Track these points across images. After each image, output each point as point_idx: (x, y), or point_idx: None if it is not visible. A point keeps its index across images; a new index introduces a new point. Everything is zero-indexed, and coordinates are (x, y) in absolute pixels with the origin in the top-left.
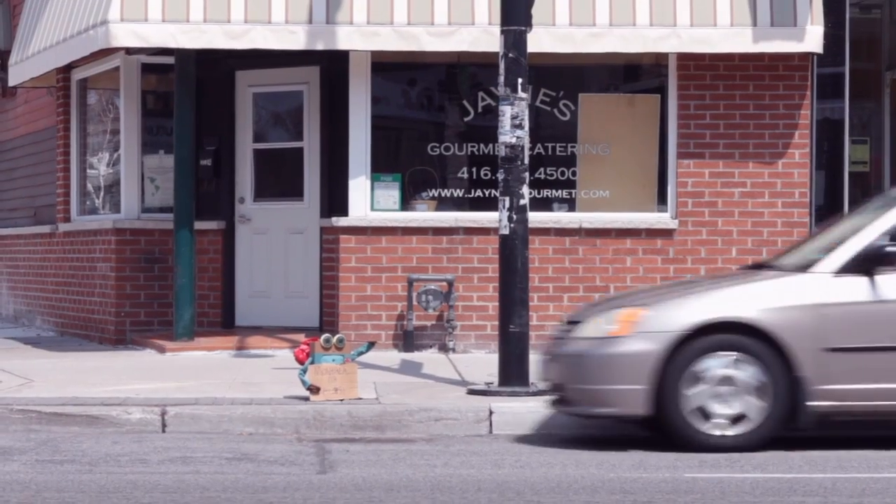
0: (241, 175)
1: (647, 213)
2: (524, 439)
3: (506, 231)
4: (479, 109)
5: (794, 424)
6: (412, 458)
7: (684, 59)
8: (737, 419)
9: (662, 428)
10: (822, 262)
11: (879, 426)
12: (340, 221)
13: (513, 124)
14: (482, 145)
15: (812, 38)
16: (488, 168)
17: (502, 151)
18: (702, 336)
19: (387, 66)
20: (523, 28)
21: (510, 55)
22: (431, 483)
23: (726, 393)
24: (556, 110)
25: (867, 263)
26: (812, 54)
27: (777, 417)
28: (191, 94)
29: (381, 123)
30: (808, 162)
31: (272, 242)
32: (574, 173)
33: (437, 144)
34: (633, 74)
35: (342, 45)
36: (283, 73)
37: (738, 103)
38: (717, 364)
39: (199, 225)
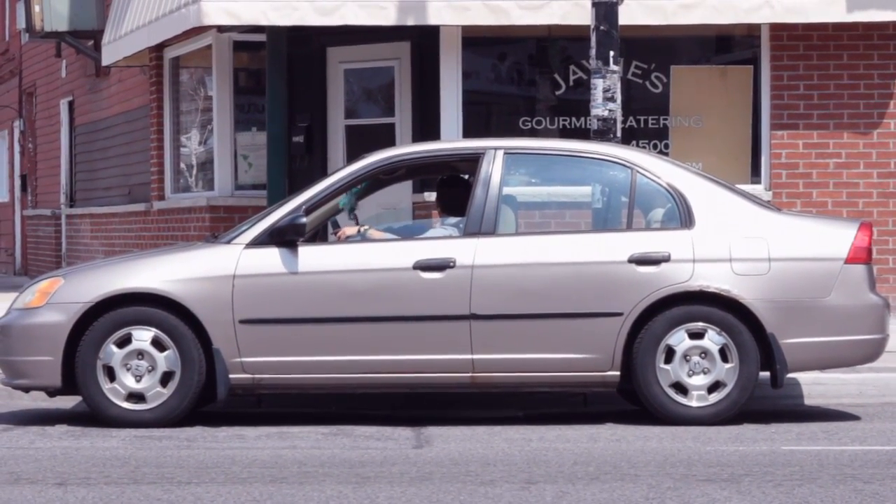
0: (333, 151)
1: (741, 185)
2: None
3: (598, 205)
4: (571, 83)
5: (216, 397)
6: (507, 432)
7: (777, 29)
8: (139, 395)
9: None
10: (244, 234)
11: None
12: (433, 197)
13: (605, 97)
14: (574, 119)
15: None
16: None
17: (594, 125)
18: (118, 308)
19: (477, 41)
20: (615, 0)
21: (601, 28)
22: (527, 457)
23: (141, 367)
24: (647, 83)
25: (278, 235)
26: None
27: (194, 389)
28: (282, 71)
29: (473, 98)
30: None
31: (365, 218)
32: (667, 146)
33: (529, 119)
34: (725, 45)
35: (432, 20)
36: (374, 49)
37: (831, 73)
38: (142, 336)
39: None
